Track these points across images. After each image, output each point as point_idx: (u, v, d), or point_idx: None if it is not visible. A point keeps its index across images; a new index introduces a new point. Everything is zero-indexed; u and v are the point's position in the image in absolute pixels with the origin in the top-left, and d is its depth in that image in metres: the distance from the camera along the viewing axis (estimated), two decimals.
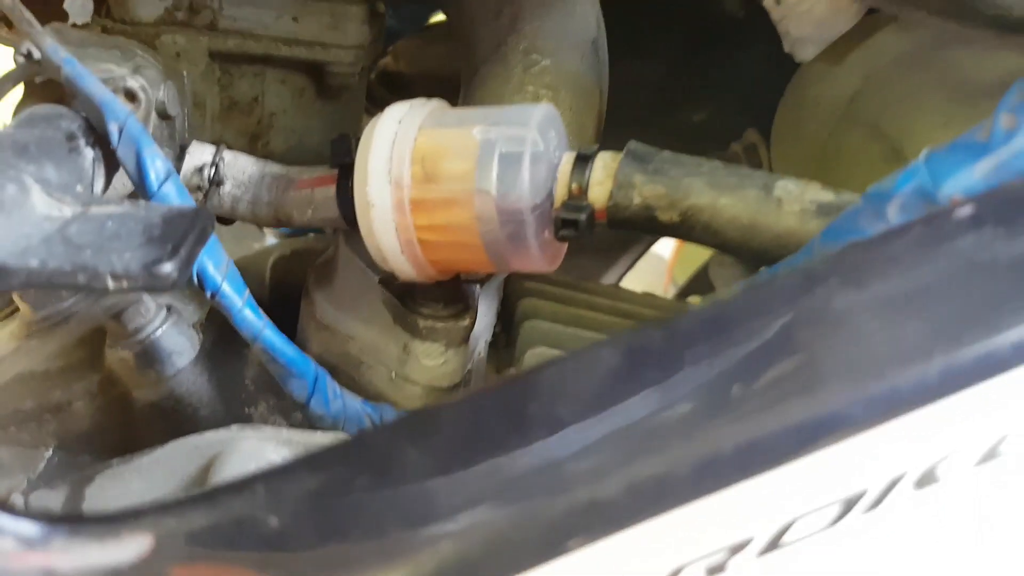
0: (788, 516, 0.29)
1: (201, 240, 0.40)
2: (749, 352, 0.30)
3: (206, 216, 0.41)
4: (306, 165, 0.71)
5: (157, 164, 0.46)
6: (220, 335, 0.61)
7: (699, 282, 1.20)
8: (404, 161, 0.48)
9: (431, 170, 0.48)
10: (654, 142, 1.04)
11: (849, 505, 0.29)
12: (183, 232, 0.39)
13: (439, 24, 1.00)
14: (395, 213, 0.48)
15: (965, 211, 0.31)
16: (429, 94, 1.02)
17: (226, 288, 0.48)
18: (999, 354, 0.28)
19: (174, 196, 0.46)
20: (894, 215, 0.35)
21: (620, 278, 1.27)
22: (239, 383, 0.64)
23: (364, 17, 0.61)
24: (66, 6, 0.53)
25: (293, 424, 0.64)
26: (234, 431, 0.54)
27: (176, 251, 0.38)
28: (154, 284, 0.37)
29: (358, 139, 0.52)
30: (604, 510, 0.28)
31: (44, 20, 0.54)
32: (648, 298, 0.94)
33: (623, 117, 1.03)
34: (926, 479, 0.29)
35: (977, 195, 0.32)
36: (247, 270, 0.82)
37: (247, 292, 0.49)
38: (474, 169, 0.47)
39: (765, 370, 0.29)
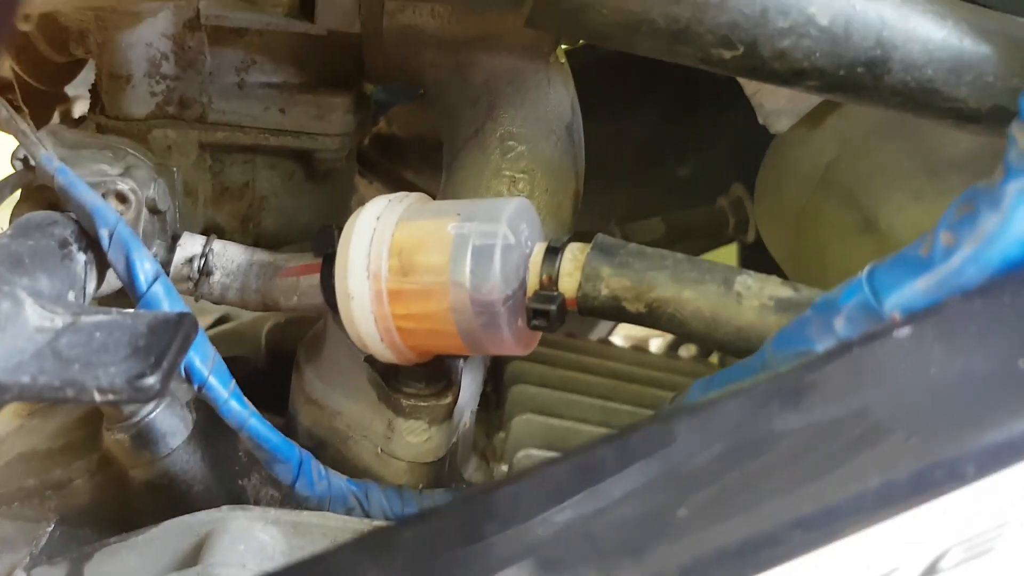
0: None
1: (184, 347, 0.42)
2: (694, 473, 0.31)
3: (190, 323, 0.43)
4: (297, 242, 0.74)
5: (146, 266, 0.48)
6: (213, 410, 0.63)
7: None
8: (382, 255, 0.50)
9: (407, 263, 0.50)
10: (644, 197, 1.06)
11: None
12: (167, 342, 0.41)
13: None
14: (374, 304, 0.50)
15: (903, 332, 0.32)
16: (422, 157, 1.05)
17: (212, 381, 0.50)
18: (934, 477, 0.30)
19: (162, 296, 0.49)
20: (841, 327, 0.36)
21: None
22: (232, 456, 0.66)
23: (348, 107, 0.64)
24: None
25: (285, 494, 0.66)
26: (224, 511, 0.55)
27: (159, 363, 0.40)
28: (137, 397, 0.39)
29: (340, 230, 0.55)
30: None
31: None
32: (637, 355, 0.96)
33: (614, 173, 1.06)
34: None
35: (915, 314, 0.34)
36: (244, 335, 0.85)
37: (232, 383, 0.51)
38: (448, 262, 0.49)
39: (709, 491, 0.31)
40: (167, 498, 0.60)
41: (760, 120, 0.72)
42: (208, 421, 0.64)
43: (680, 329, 0.48)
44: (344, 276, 0.50)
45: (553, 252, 0.50)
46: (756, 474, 0.31)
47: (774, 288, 0.45)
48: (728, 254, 1.22)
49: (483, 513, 0.32)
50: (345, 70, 0.65)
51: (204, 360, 0.49)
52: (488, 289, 0.48)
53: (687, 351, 1.14)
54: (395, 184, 1.00)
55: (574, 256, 0.50)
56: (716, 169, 1.06)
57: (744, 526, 0.30)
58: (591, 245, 0.50)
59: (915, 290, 0.35)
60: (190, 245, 0.57)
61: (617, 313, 0.49)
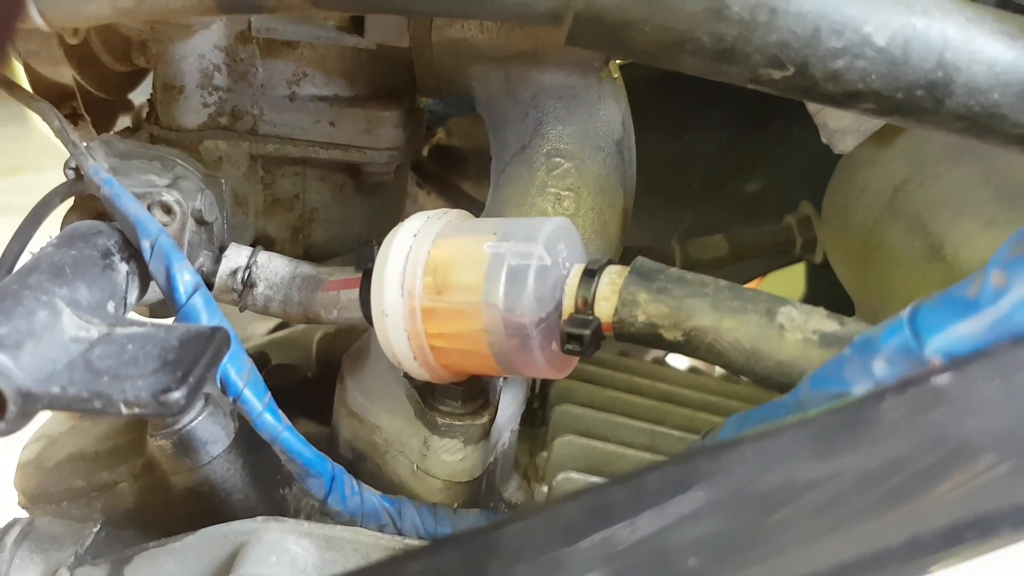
0: None
1: (215, 362, 0.42)
2: (709, 521, 0.30)
3: (222, 337, 0.43)
4: (348, 253, 0.74)
5: (185, 278, 0.49)
6: None
7: None
8: (417, 273, 0.50)
9: (442, 281, 0.49)
10: (709, 213, 1.03)
11: None
12: (196, 356, 0.42)
13: None
14: (407, 322, 0.50)
15: (942, 380, 0.30)
16: (480, 169, 1.04)
17: (247, 393, 0.50)
18: (961, 537, 0.27)
19: (201, 308, 0.49)
20: (880, 370, 0.34)
21: None
22: (274, 465, 0.66)
23: (398, 121, 0.63)
24: None
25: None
26: (259, 522, 0.56)
27: (185, 378, 0.40)
28: (162, 411, 0.39)
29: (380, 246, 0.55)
30: None
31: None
32: (693, 378, 0.93)
33: (679, 189, 1.03)
34: None
35: (956, 360, 0.31)
36: (296, 343, 0.86)
37: (268, 396, 0.52)
38: (483, 282, 0.48)
39: (723, 541, 0.29)
40: (207, 505, 0.61)
41: (824, 139, 0.69)
42: (253, 430, 0.65)
43: (719, 360, 0.45)
44: (379, 293, 0.50)
45: (590, 275, 0.49)
46: (775, 525, 0.29)
47: (819, 321, 0.43)
48: (796, 274, 1.18)
49: (489, 550, 0.31)
50: (396, 84, 0.66)
51: (240, 372, 0.50)
52: (521, 311, 0.47)
53: None
54: (452, 195, 1.00)
55: (611, 280, 0.49)
56: (785, 186, 1.02)
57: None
58: (629, 269, 0.48)
59: (960, 333, 0.32)
60: (235, 256, 0.58)
61: (654, 340, 0.47)
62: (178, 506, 0.61)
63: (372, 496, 0.56)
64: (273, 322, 1.02)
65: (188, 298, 0.49)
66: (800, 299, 0.54)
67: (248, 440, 0.63)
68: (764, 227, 0.99)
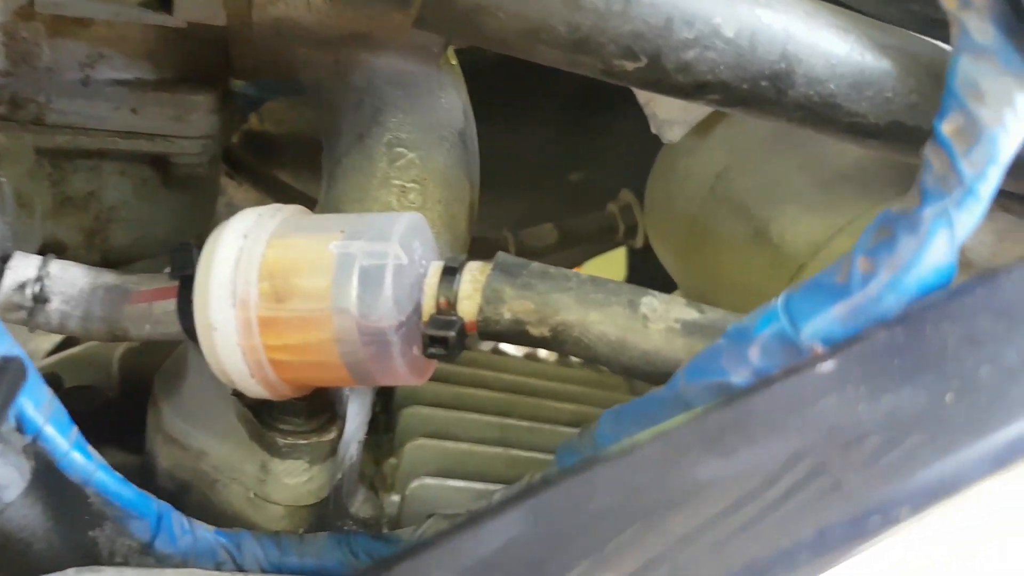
0: None
1: (8, 399, 0.35)
2: (609, 534, 0.28)
3: (16, 368, 0.36)
4: (152, 258, 0.66)
5: None
6: None
7: None
8: (250, 279, 0.44)
9: (282, 287, 0.44)
10: (537, 203, 1.03)
11: None
12: None
13: None
14: (241, 336, 0.44)
15: (826, 367, 0.30)
16: (297, 157, 0.98)
17: (49, 431, 0.42)
18: (866, 524, 0.28)
19: None
20: (755, 358, 0.34)
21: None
22: (80, 503, 0.58)
23: (212, 106, 0.57)
24: None
25: (146, 544, 0.58)
26: (70, 573, 0.48)
27: None
28: None
29: (200, 246, 0.48)
30: None
31: None
32: (531, 365, 0.92)
33: (509, 180, 1.02)
34: None
35: (837, 346, 0.31)
36: (94, 361, 0.76)
37: (74, 431, 0.44)
38: (331, 286, 0.44)
39: (623, 546, 0.28)
40: (1, 561, 0.52)
41: (653, 129, 0.70)
42: (50, 465, 0.56)
43: (585, 353, 0.44)
44: (204, 304, 0.44)
45: (451, 272, 0.46)
46: (682, 527, 0.28)
47: (679, 310, 0.43)
48: (617, 259, 1.21)
49: None
50: (208, 66, 0.59)
51: (38, 406, 0.42)
52: (378, 316, 0.43)
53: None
54: (268, 187, 0.92)
55: (473, 277, 0.46)
56: (607, 176, 1.05)
57: None
58: (492, 265, 0.46)
59: (832, 318, 0.33)
60: (23, 268, 0.49)
61: (520, 337, 0.45)
62: None
63: (205, 532, 0.50)
64: (58, 338, 0.90)
65: None
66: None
67: (46, 478, 0.54)
68: (589, 215, 1.01)
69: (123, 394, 0.71)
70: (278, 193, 0.92)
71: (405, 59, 0.57)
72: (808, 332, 0.33)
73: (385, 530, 0.62)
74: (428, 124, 0.57)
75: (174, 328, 0.49)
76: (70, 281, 0.50)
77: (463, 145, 0.59)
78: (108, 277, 0.51)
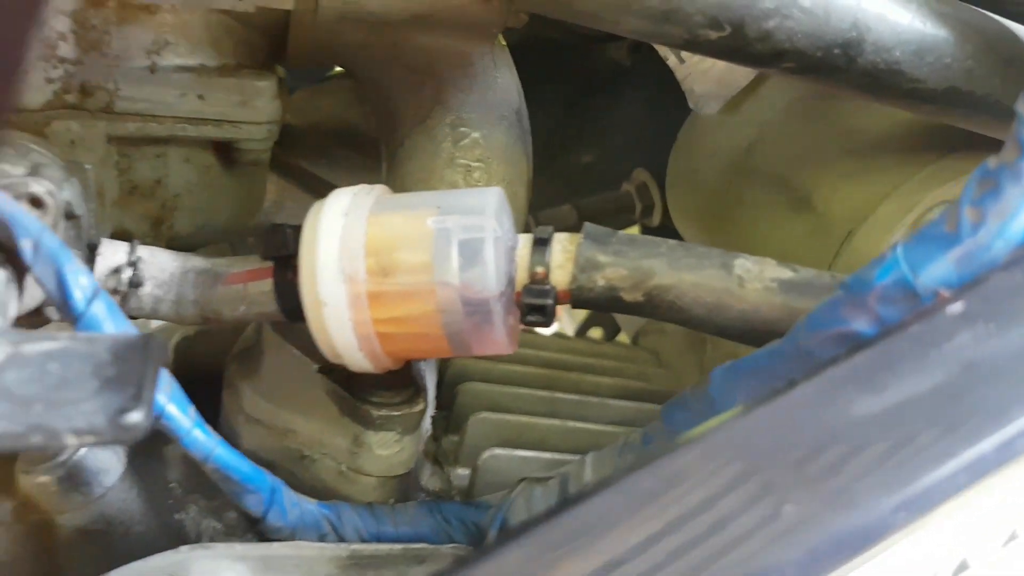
0: None
1: (157, 374, 0.36)
2: (786, 467, 0.30)
3: (157, 346, 0.37)
4: (213, 244, 0.67)
5: (82, 282, 0.41)
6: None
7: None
8: (357, 256, 0.45)
9: (386, 262, 0.46)
10: (548, 185, 1.05)
11: None
12: (140, 369, 0.35)
13: (330, 76, 0.97)
14: (351, 310, 0.46)
15: (956, 308, 0.33)
16: (321, 147, 0.98)
17: (172, 410, 0.43)
18: (1013, 445, 0.30)
19: (104, 315, 0.42)
20: (876, 305, 0.36)
21: None
22: (163, 488, 0.59)
23: (275, 91, 0.58)
24: None
25: (228, 524, 0.59)
26: (184, 552, 0.49)
27: (140, 395, 0.34)
28: (122, 437, 0.33)
29: (293, 229, 0.49)
30: None
31: None
32: (561, 342, 0.95)
33: None
34: (960, 569, 0.31)
35: (961, 289, 0.34)
36: None
37: (193, 409, 0.45)
38: (431, 260, 0.45)
39: (807, 483, 0.30)
40: (102, 546, 0.52)
41: (691, 104, 0.73)
42: (134, 451, 0.56)
43: (678, 316, 0.47)
44: (313, 281, 0.45)
45: (541, 243, 0.48)
46: (847, 462, 0.31)
47: (773, 270, 0.45)
48: None
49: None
50: (267, 53, 0.59)
51: (160, 386, 0.43)
52: (481, 287, 0.45)
53: (594, 334, 1.15)
54: (292, 175, 0.93)
55: (564, 247, 0.48)
56: (615, 156, 1.07)
57: (848, 515, 0.30)
58: (582, 235, 0.48)
59: (947, 265, 0.36)
60: (112, 254, 0.49)
61: (612, 304, 0.48)
62: (66, 552, 0.51)
63: (309, 505, 0.51)
64: None
65: (88, 305, 0.41)
66: None
67: (133, 463, 0.55)
68: (605, 194, 1.03)
69: (179, 381, 0.71)
70: (303, 182, 0.92)
71: (464, 40, 0.58)
72: (925, 278, 0.36)
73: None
74: (488, 103, 0.59)
75: (270, 308, 0.50)
76: (160, 266, 0.50)
77: (520, 123, 0.61)
78: (197, 261, 0.51)
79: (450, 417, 0.71)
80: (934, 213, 0.59)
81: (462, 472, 0.65)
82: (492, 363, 0.76)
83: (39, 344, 0.36)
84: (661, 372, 0.88)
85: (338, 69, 0.92)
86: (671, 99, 0.91)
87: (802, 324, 0.39)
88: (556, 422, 0.69)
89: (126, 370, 0.35)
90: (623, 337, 1.12)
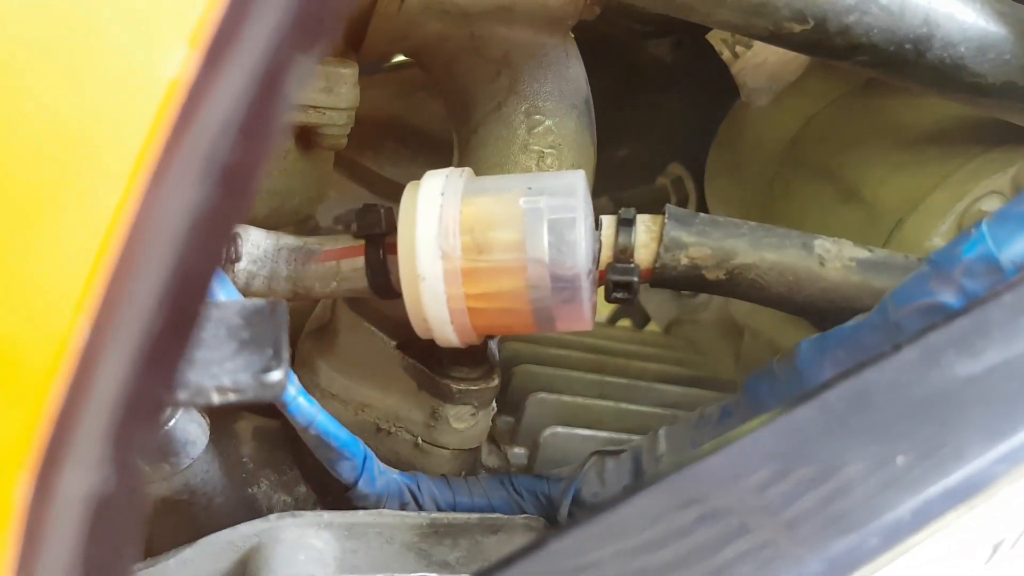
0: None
1: (287, 336, 0.38)
2: (899, 423, 0.33)
3: (283, 311, 0.39)
4: (286, 226, 0.69)
5: None
6: (208, 412, 0.58)
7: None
8: (453, 233, 0.48)
9: (481, 240, 0.48)
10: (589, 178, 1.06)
11: (996, 548, 0.33)
12: (272, 331, 0.37)
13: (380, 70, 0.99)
14: (446, 284, 0.48)
15: None
16: (365, 139, 1.00)
17: None
18: None
19: (216, 287, 0.44)
20: (962, 278, 0.39)
21: None
22: (238, 462, 0.61)
23: (356, 79, 0.60)
24: None
25: (297, 498, 0.61)
26: (272, 521, 0.51)
27: (279, 355, 0.36)
28: (264, 394, 0.35)
29: (386, 210, 0.52)
30: None
31: None
32: (598, 328, 0.97)
33: None
34: None
35: None
36: None
37: (296, 378, 0.47)
38: (523, 238, 0.48)
39: (918, 437, 0.32)
40: (186, 515, 0.54)
41: (743, 97, 0.75)
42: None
43: (759, 294, 0.49)
44: (411, 256, 0.48)
45: (626, 224, 0.50)
46: (953, 419, 0.33)
47: (851, 250, 0.48)
48: None
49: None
50: (345, 41, 0.62)
51: None
52: (571, 264, 0.47)
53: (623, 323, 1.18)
54: (337, 165, 0.95)
55: (647, 227, 0.50)
56: (652, 150, 1.09)
57: (956, 466, 0.32)
58: (666, 215, 0.50)
59: None
60: None
61: (694, 282, 0.50)
62: (152, 522, 0.53)
63: (394, 475, 0.54)
64: None
65: None
66: None
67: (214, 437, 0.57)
68: (641, 188, 1.05)
69: None
70: (349, 171, 0.94)
71: (539, 31, 0.61)
72: (1009, 254, 0.38)
73: None
74: (560, 93, 0.61)
75: (360, 284, 0.52)
76: (255, 242, 0.52)
77: (588, 113, 0.63)
78: (289, 239, 0.54)
79: (505, 399, 0.73)
80: (983, 203, 0.62)
81: (519, 451, 0.67)
82: (542, 347, 0.78)
83: None
84: (699, 359, 0.91)
85: (394, 60, 0.94)
86: (707, 96, 0.93)
87: (889, 297, 0.41)
88: (609, 403, 0.71)
89: (259, 333, 0.37)
90: (653, 327, 1.14)
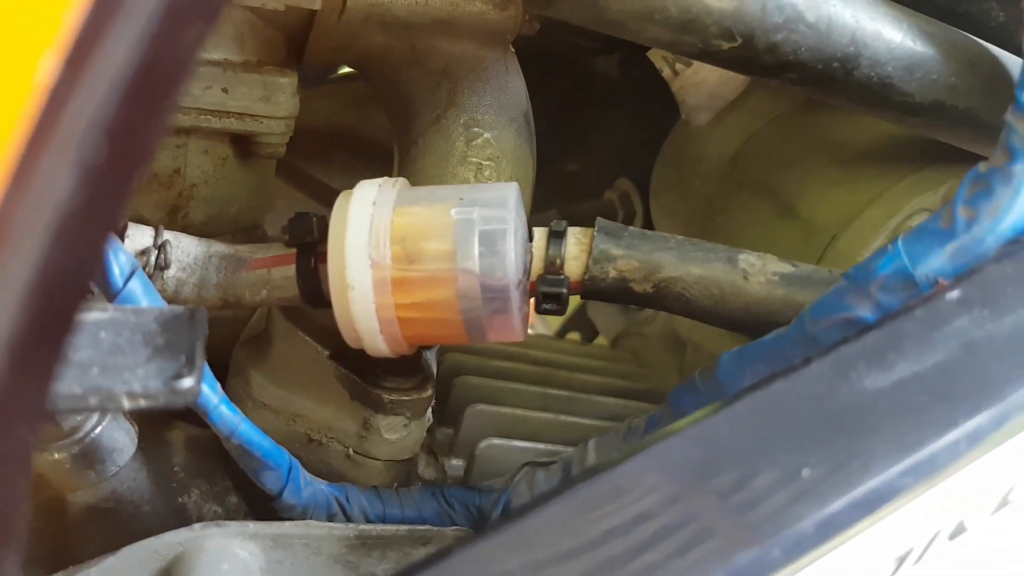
0: None
1: (204, 345, 0.38)
2: (801, 436, 0.33)
3: (201, 318, 0.39)
4: (225, 234, 0.68)
5: (121, 259, 0.43)
6: (140, 421, 0.57)
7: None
8: (384, 243, 0.48)
9: (412, 250, 0.48)
10: (535, 191, 1.08)
11: (900, 561, 0.33)
12: (188, 339, 0.37)
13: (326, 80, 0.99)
14: (375, 294, 0.48)
15: (954, 294, 0.36)
16: (316, 148, 1.00)
17: (203, 387, 0.45)
18: (1008, 417, 0.34)
19: (140, 292, 0.43)
20: (878, 293, 0.40)
21: None
22: (168, 471, 0.60)
23: (295, 88, 0.59)
24: None
25: (228, 509, 0.61)
26: (196, 530, 0.50)
27: (192, 362, 0.36)
28: (175, 400, 0.35)
29: (318, 218, 0.51)
30: None
31: None
32: (545, 341, 0.97)
33: None
34: (957, 531, 0.34)
35: (957, 278, 0.38)
36: None
37: (219, 386, 0.47)
38: (454, 249, 0.48)
39: (824, 452, 0.33)
40: (112, 524, 0.53)
41: (683, 115, 0.76)
42: (140, 434, 0.57)
43: (684, 307, 0.50)
44: (341, 265, 0.47)
45: (556, 236, 0.51)
46: (861, 431, 0.34)
47: (775, 264, 0.49)
48: None
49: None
50: (286, 51, 0.61)
51: None
52: (501, 275, 0.47)
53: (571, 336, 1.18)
54: (285, 175, 0.94)
55: (578, 240, 0.51)
56: (600, 165, 1.10)
57: (863, 478, 0.33)
58: (595, 228, 0.51)
59: (943, 257, 0.39)
60: (139, 237, 0.51)
61: (622, 295, 0.50)
62: (75, 530, 0.52)
63: (321, 485, 0.53)
64: None
65: (125, 282, 0.43)
66: None
67: (140, 445, 0.56)
68: (589, 203, 1.06)
69: None
70: (297, 182, 0.94)
71: (479, 45, 0.61)
72: (923, 269, 0.39)
73: None
74: (500, 106, 0.62)
75: (291, 292, 0.52)
76: (185, 249, 0.52)
77: (528, 126, 0.64)
78: (220, 246, 0.53)
79: (444, 410, 0.72)
80: (914, 220, 0.63)
81: (456, 463, 0.67)
82: (485, 359, 0.78)
83: (90, 314, 0.37)
84: (644, 372, 0.91)
85: (343, 71, 0.94)
86: (654, 113, 0.95)
87: (807, 311, 0.42)
88: (549, 416, 0.71)
89: (175, 340, 0.37)
90: (600, 341, 1.15)
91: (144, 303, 0.43)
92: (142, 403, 0.34)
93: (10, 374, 0.19)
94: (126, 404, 0.34)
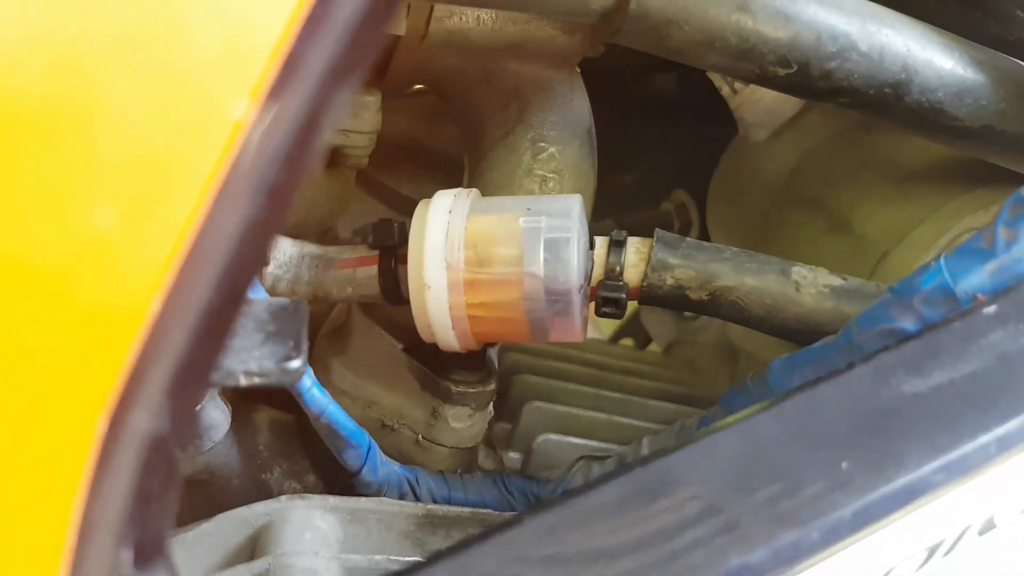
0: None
1: (307, 331, 0.43)
2: (841, 433, 0.36)
3: (304, 309, 0.44)
4: (309, 237, 0.73)
5: None
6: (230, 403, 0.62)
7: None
8: (458, 247, 0.52)
9: (483, 254, 0.52)
10: (596, 201, 1.11)
11: (932, 551, 0.36)
12: (295, 326, 0.42)
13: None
14: (449, 294, 0.52)
15: (991, 309, 0.39)
16: (385, 159, 1.05)
17: None
18: None
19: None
20: (920, 306, 0.43)
21: None
22: (254, 449, 0.65)
23: (379, 106, 0.65)
24: None
25: (306, 486, 0.66)
26: (283, 501, 0.55)
27: (298, 346, 0.40)
28: (284, 379, 0.39)
29: (399, 224, 0.56)
30: None
31: None
32: (601, 345, 1.01)
33: None
34: (987, 527, 0.37)
35: (994, 295, 0.40)
36: None
37: (311, 371, 0.52)
38: (522, 254, 0.52)
39: (864, 448, 0.36)
40: (206, 494, 0.59)
41: (741, 131, 0.80)
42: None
43: (738, 315, 0.53)
44: (419, 266, 0.52)
45: (617, 245, 0.55)
46: (898, 431, 0.37)
47: (826, 277, 0.52)
48: None
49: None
50: (373, 71, 0.66)
51: None
52: (564, 279, 0.51)
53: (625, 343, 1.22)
54: (359, 182, 1.00)
55: (637, 249, 0.55)
56: (657, 176, 1.13)
57: (898, 473, 0.36)
58: (654, 239, 0.54)
59: (983, 275, 0.42)
60: None
61: (679, 301, 0.54)
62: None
63: (395, 466, 0.58)
64: None
65: None
66: None
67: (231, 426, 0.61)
68: (646, 212, 1.09)
69: None
70: (369, 188, 0.99)
71: (547, 67, 0.65)
72: (964, 286, 0.42)
73: None
74: (565, 123, 0.66)
75: (372, 291, 0.57)
76: (282, 249, 0.57)
77: (590, 141, 0.68)
78: (311, 247, 0.58)
79: (503, 406, 0.77)
80: (963, 238, 0.65)
81: (514, 456, 0.71)
82: (542, 359, 0.82)
83: None
84: (696, 379, 0.94)
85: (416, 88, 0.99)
86: (711, 127, 0.98)
87: (854, 322, 0.45)
88: (603, 416, 0.75)
89: (283, 327, 0.42)
90: (654, 347, 1.18)
91: (252, 295, 0.49)
92: (257, 380, 0.39)
93: (199, 341, 0.24)
94: (244, 381, 0.39)
